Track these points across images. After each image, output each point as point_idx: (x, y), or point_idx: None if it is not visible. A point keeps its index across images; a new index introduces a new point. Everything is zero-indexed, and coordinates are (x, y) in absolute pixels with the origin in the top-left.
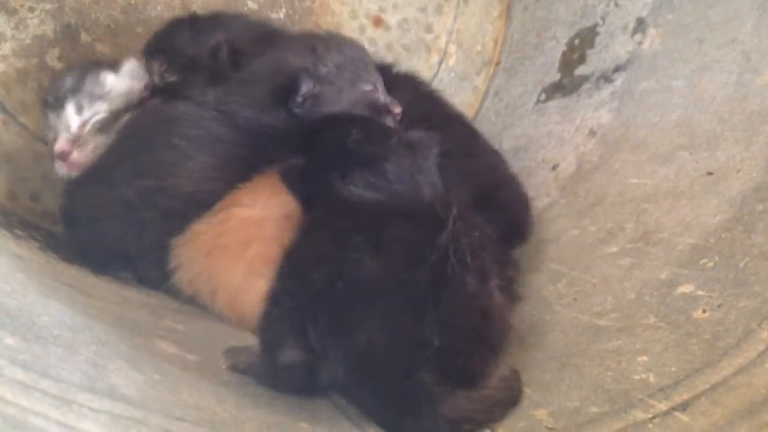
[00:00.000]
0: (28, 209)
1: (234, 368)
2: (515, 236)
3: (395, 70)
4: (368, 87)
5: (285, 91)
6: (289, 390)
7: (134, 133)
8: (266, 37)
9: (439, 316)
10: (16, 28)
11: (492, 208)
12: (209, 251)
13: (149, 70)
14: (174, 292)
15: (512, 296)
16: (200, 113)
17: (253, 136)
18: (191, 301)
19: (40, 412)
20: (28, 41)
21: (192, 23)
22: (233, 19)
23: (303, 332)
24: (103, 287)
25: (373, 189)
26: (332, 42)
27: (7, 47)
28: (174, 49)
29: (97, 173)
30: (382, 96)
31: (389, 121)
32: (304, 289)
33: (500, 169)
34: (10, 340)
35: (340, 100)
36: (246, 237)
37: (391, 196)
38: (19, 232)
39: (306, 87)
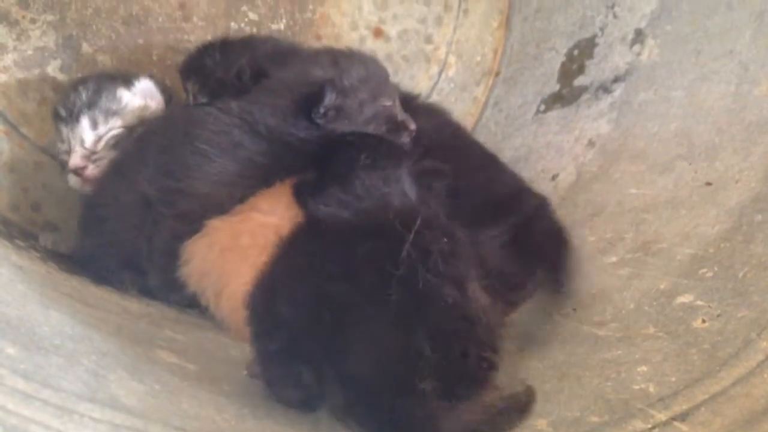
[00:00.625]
0: (29, 219)
1: (253, 375)
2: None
3: (419, 100)
4: (388, 102)
5: (309, 101)
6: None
7: (158, 133)
8: (291, 57)
9: (425, 328)
10: (18, 39)
11: (526, 241)
12: (224, 249)
13: (166, 90)
14: (178, 303)
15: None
16: (224, 119)
17: (273, 145)
18: (193, 304)
19: (41, 422)
20: (29, 52)
21: (222, 46)
22: (262, 42)
23: (297, 374)
24: (104, 297)
25: (343, 206)
26: (355, 58)
27: (9, 58)
28: (205, 71)
29: (116, 169)
30: (399, 112)
31: (405, 137)
32: (291, 327)
33: (528, 199)
34: (11, 350)
35: (362, 113)
36: (263, 241)
37: (360, 212)
38: (20, 243)
39: (329, 99)
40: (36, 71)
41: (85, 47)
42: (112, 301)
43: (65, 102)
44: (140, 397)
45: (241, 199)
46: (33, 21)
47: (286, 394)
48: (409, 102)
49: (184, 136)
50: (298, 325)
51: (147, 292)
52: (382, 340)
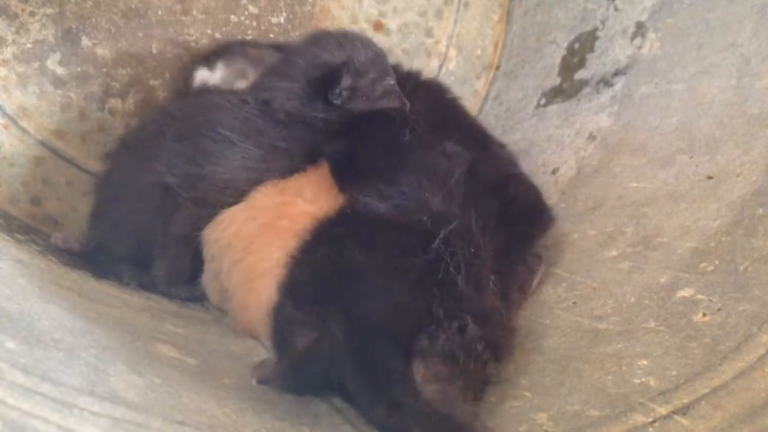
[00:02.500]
0: (28, 213)
1: (262, 380)
2: (533, 227)
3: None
4: (392, 81)
5: (324, 83)
6: (310, 385)
7: (177, 118)
8: (296, 43)
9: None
10: (17, 32)
11: (504, 202)
12: (262, 225)
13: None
14: (179, 296)
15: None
16: (243, 107)
17: (294, 129)
18: (194, 297)
19: (41, 416)
20: (29, 46)
21: None
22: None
23: (310, 315)
24: (104, 291)
25: (382, 199)
26: (356, 39)
27: (8, 52)
28: None
29: (132, 150)
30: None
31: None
32: (306, 283)
33: (510, 167)
34: (10, 344)
35: (374, 90)
36: (301, 228)
37: (397, 208)
38: (20, 237)
39: (346, 79)
40: (35, 64)
41: (85, 40)
42: (113, 295)
43: None
44: (140, 391)
45: (263, 183)
46: (32, 14)
47: (300, 343)
48: (410, 78)
49: (205, 123)
50: (316, 278)
51: (147, 287)
52: (396, 295)
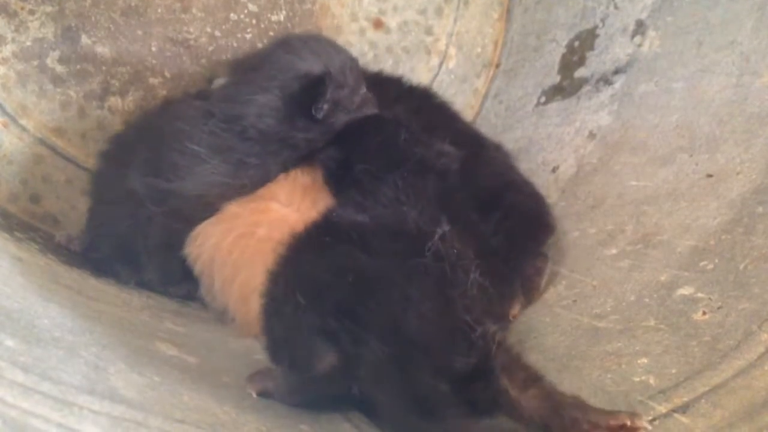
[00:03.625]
0: (28, 212)
1: (262, 393)
2: (532, 238)
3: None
4: (365, 89)
5: (306, 97)
6: (319, 404)
7: (150, 128)
8: (264, 50)
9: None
10: (17, 30)
11: (501, 212)
12: (240, 236)
13: None
14: (177, 295)
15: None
16: (209, 120)
17: (269, 146)
18: (192, 296)
19: (41, 415)
20: (28, 44)
21: None
22: None
23: (334, 334)
24: (104, 290)
25: (360, 210)
26: (329, 44)
27: (8, 50)
28: None
29: (109, 160)
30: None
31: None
32: (315, 296)
33: (507, 174)
34: (10, 343)
35: (352, 102)
36: (279, 235)
37: (376, 218)
38: (20, 235)
39: (330, 93)
40: (35, 62)
41: (84, 39)
42: (112, 294)
43: None
44: (140, 389)
45: (235, 197)
46: (32, 12)
47: (321, 366)
48: (392, 83)
49: (172, 134)
50: (320, 290)
51: (145, 285)
52: (423, 308)
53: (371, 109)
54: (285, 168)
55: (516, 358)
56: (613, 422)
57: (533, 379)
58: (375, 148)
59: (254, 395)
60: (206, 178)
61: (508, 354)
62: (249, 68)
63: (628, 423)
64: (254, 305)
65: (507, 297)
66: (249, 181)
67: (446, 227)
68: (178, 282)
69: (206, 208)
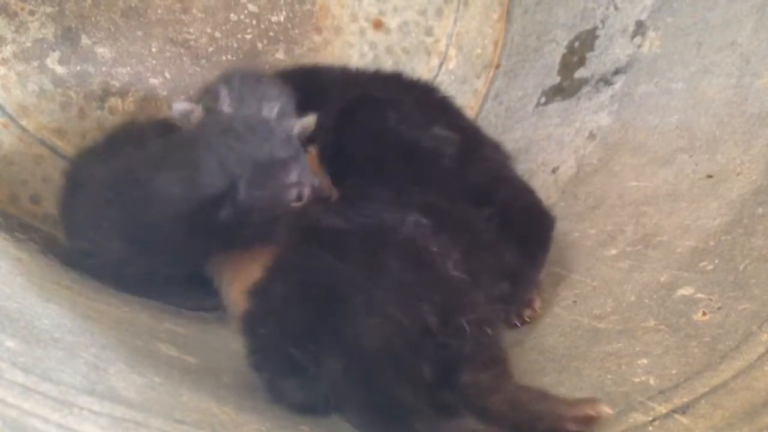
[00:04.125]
0: (28, 212)
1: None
2: (533, 233)
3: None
4: (292, 195)
5: (205, 211)
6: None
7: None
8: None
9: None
10: (17, 31)
11: (496, 208)
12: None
13: None
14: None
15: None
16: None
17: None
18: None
19: (41, 415)
20: (28, 44)
21: None
22: None
23: (290, 357)
24: (104, 290)
25: (343, 219)
26: (248, 146)
27: (8, 50)
28: None
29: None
30: (308, 186)
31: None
32: (276, 309)
33: (500, 170)
34: (10, 343)
35: (266, 216)
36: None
37: (358, 227)
38: (20, 235)
39: (224, 215)
40: (35, 63)
41: (84, 39)
42: (112, 294)
43: None
44: (140, 389)
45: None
46: (32, 13)
47: (284, 388)
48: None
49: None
50: (288, 311)
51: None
52: (387, 313)
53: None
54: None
55: (485, 362)
56: (576, 413)
57: (499, 385)
58: (363, 129)
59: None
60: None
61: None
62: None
63: (592, 414)
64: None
65: (501, 294)
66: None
67: (421, 219)
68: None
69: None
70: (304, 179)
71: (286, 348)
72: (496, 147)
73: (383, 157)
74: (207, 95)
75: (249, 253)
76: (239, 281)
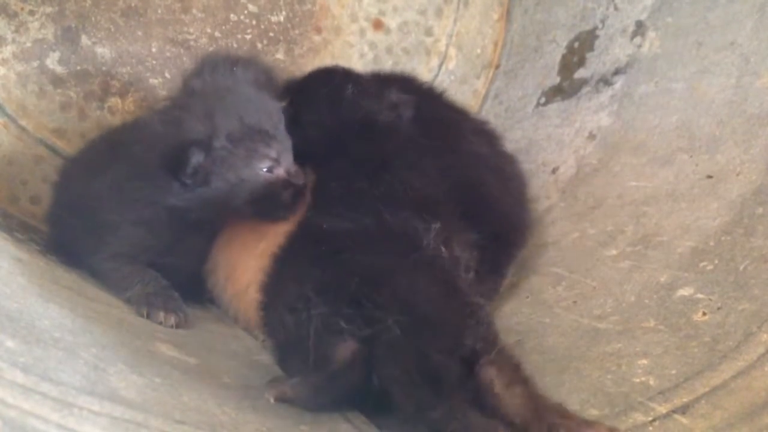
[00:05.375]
0: (28, 212)
1: (280, 398)
2: (508, 241)
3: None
4: (265, 164)
5: (173, 163)
6: (339, 400)
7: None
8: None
9: None
10: (17, 31)
11: (477, 208)
12: (230, 236)
13: None
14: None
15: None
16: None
17: (141, 210)
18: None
19: (41, 415)
20: (28, 44)
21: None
22: None
23: (348, 321)
24: (104, 290)
25: (343, 220)
26: (233, 106)
27: (8, 50)
28: None
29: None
30: (284, 168)
31: (287, 196)
32: (326, 290)
33: (486, 164)
34: (10, 343)
35: (237, 176)
36: (261, 229)
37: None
38: (19, 236)
39: (195, 160)
40: (35, 63)
41: (84, 39)
42: (112, 294)
43: None
44: (140, 390)
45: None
46: (32, 13)
47: (340, 354)
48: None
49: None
50: (322, 296)
51: None
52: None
53: (259, 190)
54: (180, 234)
55: (507, 355)
56: None
57: (520, 378)
58: (322, 100)
59: (272, 401)
60: (133, 240)
61: (499, 349)
62: (152, 116)
63: None
64: (250, 301)
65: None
66: (170, 243)
67: (437, 224)
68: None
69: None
70: (282, 160)
71: (335, 308)
72: (480, 130)
73: (342, 132)
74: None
75: (241, 256)
76: (233, 283)
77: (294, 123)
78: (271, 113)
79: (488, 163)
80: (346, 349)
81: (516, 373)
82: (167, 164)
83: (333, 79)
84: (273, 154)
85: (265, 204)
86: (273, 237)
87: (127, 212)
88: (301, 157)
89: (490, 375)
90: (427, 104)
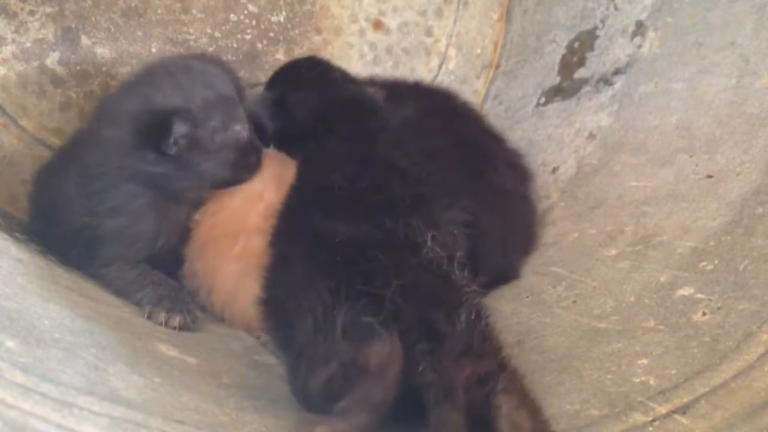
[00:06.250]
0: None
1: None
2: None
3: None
4: (238, 126)
5: (153, 132)
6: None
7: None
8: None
9: None
10: (17, 31)
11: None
12: (203, 244)
13: None
14: None
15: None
16: (80, 172)
17: (117, 183)
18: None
19: (41, 416)
20: (28, 44)
21: None
22: None
23: (377, 311)
24: (103, 290)
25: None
26: (198, 75)
27: (8, 51)
28: None
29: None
30: (250, 134)
31: (252, 157)
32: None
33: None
34: (10, 343)
35: (214, 142)
36: (233, 230)
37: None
38: (19, 236)
39: (178, 128)
40: (35, 63)
41: (84, 39)
42: (112, 294)
43: None
44: (140, 390)
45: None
46: (32, 13)
47: (373, 356)
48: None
49: (82, 188)
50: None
51: None
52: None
53: (233, 155)
54: (162, 209)
55: (517, 380)
56: None
57: (530, 405)
58: (309, 83)
59: None
60: (122, 231)
61: (511, 374)
62: (112, 99)
63: None
64: (237, 307)
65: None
66: (143, 227)
67: (434, 232)
68: None
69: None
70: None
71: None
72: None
73: (329, 110)
74: None
75: (218, 262)
76: (217, 293)
77: (279, 106)
78: (232, 83)
79: (507, 206)
80: (382, 348)
81: (524, 398)
82: (146, 136)
83: (319, 65)
84: (244, 118)
85: (236, 167)
86: (246, 238)
87: (99, 205)
88: (287, 140)
89: (500, 400)
90: (465, 127)
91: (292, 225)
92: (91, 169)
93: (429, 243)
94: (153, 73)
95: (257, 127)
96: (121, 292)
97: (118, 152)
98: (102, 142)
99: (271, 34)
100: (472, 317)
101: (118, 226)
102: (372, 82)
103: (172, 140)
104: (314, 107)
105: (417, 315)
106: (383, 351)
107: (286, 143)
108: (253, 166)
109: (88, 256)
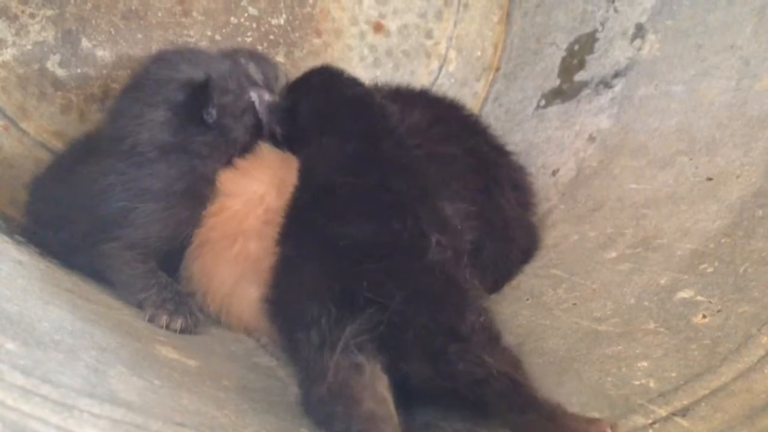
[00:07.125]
0: None
1: None
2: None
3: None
4: (256, 93)
5: (192, 104)
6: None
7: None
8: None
9: None
10: (17, 34)
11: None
12: (199, 245)
13: None
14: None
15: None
16: (113, 161)
17: (170, 161)
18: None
19: (41, 418)
20: (29, 47)
21: None
22: None
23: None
24: (104, 293)
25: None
26: (205, 53)
27: (8, 53)
28: None
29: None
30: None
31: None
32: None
33: (498, 205)
34: (10, 345)
35: (237, 107)
36: (231, 232)
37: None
38: (20, 238)
39: (216, 96)
40: (35, 66)
41: (85, 42)
42: (113, 297)
43: None
44: (140, 392)
45: (182, 228)
46: (32, 16)
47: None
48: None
49: (100, 188)
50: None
51: None
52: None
53: (252, 120)
54: (201, 178)
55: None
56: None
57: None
58: (317, 87)
59: None
60: (143, 220)
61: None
62: (130, 88)
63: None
64: (234, 311)
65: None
66: (180, 209)
67: (439, 236)
68: None
69: (159, 241)
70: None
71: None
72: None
73: (336, 111)
74: None
75: (215, 265)
76: (212, 297)
77: (291, 115)
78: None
79: (507, 231)
80: (364, 366)
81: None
82: (189, 108)
83: (329, 70)
84: (254, 86)
85: (253, 132)
86: (244, 240)
87: (145, 185)
88: (294, 140)
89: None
90: (475, 140)
91: (299, 225)
92: (134, 154)
93: (434, 245)
94: (163, 59)
95: (268, 133)
96: (123, 284)
97: (161, 131)
98: (145, 125)
99: (272, 37)
100: (481, 319)
101: (153, 210)
102: (378, 89)
103: (212, 108)
104: (320, 106)
105: (428, 319)
106: (367, 383)
107: (293, 143)
108: (274, 131)
109: (100, 240)
